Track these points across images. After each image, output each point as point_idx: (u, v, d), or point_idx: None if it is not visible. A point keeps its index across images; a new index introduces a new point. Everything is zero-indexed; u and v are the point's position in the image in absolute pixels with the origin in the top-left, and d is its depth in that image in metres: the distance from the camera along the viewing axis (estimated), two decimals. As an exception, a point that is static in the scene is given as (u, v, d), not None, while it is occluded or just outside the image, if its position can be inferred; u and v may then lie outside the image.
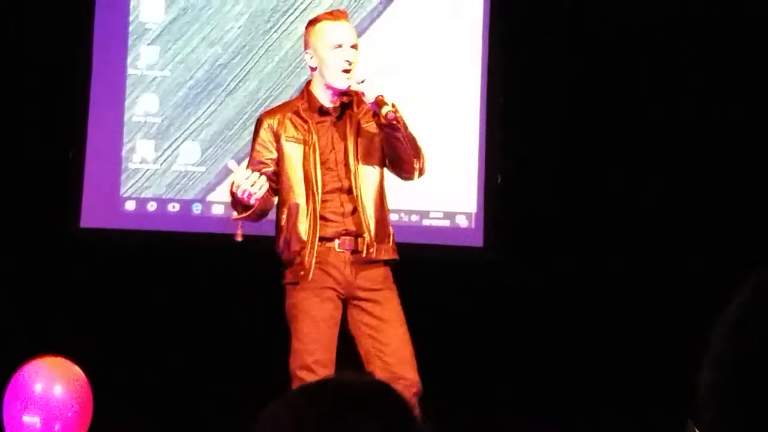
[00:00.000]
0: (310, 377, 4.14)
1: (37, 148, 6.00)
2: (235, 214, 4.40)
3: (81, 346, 5.02)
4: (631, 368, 5.95)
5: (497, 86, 6.10)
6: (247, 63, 6.11)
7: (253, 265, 5.97)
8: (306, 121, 4.43)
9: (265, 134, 4.47)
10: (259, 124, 4.52)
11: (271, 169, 4.45)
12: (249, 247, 5.96)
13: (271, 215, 4.54)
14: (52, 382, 4.37)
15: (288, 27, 6.12)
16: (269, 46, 6.11)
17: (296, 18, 6.12)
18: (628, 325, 5.98)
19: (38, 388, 4.34)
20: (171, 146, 6.07)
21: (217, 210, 6.03)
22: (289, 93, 6.07)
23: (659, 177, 6.10)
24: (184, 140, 6.08)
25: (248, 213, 4.34)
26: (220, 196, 6.04)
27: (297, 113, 4.46)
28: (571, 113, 6.15)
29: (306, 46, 4.50)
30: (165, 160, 6.06)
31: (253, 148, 4.51)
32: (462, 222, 6.00)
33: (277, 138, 4.45)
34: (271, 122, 4.47)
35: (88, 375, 4.48)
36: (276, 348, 5.81)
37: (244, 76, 6.10)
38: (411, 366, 4.38)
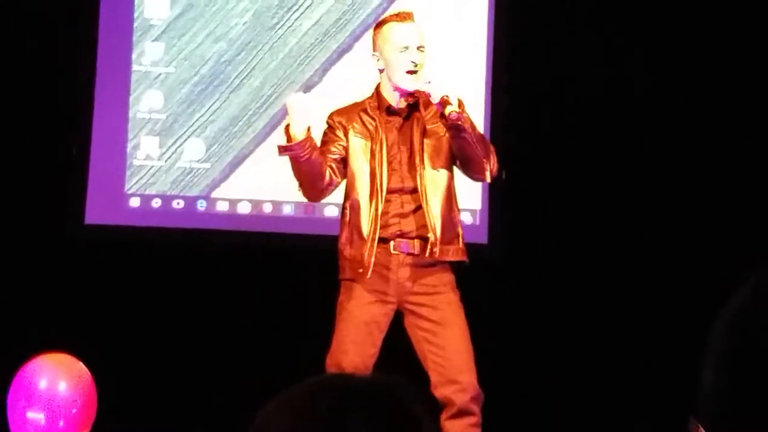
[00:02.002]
0: None
1: (41, 144, 6.01)
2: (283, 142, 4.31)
3: (85, 342, 5.02)
4: (634, 366, 5.95)
5: (502, 83, 6.10)
6: (252, 59, 6.11)
7: (257, 262, 5.98)
8: (374, 119, 4.41)
9: (332, 125, 4.45)
10: (329, 120, 4.48)
11: (338, 156, 4.41)
12: (253, 244, 5.98)
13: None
14: (57, 378, 4.37)
15: (293, 23, 6.12)
16: (274, 43, 6.11)
17: (301, 14, 6.12)
18: (630, 323, 5.97)
19: (42, 384, 4.34)
20: (175, 143, 6.07)
21: (222, 207, 6.04)
22: (293, 90, 6.07)
23: (663, 173, 6.10)
24: (188, 137, 6.08)
25: (292, 146, 4.25)
26: (225, 192, 6.04)
27: (365, 111, 4.44)
28: (575, 110, 6.14)
29: (374, 48, 4.49)
30: (169, 157, 6.07)
31: (322, 141, 4.44)
32: (466, 219, 5.98)
33: (345, 132, 4.42)
34: (340, 119, 4.45)
35: (92, 371, 4.48)
36: (279, 344, 5.83)
37: (248, 73, 6.10)
38: (465, 371, 4.30)
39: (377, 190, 4.35)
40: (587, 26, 6.16)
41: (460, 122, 4.24)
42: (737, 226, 5.96)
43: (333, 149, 4.42)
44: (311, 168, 4.33)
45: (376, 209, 4.34)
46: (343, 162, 4.43)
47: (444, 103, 4.23)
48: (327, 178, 4.38)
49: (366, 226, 4.34)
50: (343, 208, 4.46)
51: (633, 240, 6.09)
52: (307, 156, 4.27)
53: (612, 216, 6.10)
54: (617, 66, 6.14)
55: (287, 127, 4.29)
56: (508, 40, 6.12)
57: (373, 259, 4.31)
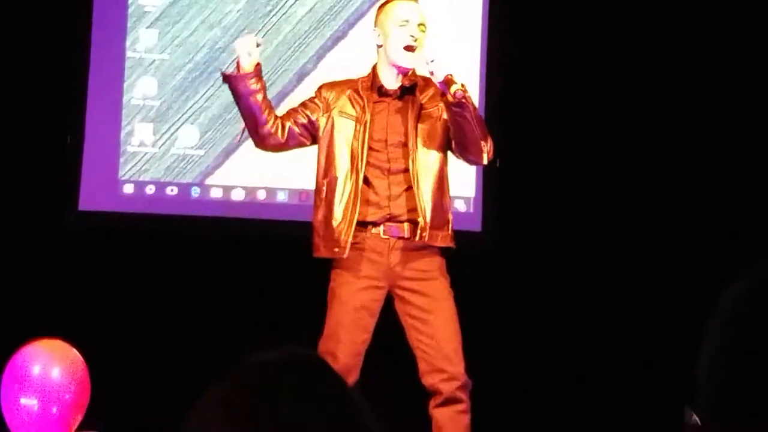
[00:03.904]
0: (333, 362, 4.08)
1: (35, 131, 6.00)
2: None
3: (79, 328, 5.02)
4: (627, 356, 5.95)
5: (496, 69, 6.10)
6: (246, 46, 6.09)
7: (250, 249, 5.98)
8: (362, 98, 4.42)
9: (317, 98, 4.49)
10: (317, 90, 4.53)
11: (304, 120, 4.45)
12: (246, 230, 5.98)
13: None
14: (50, 364, 4.37)
15: (287, 11, 6.11)
16: (268, 30, 6.10)
17: (295, 1, 6.11)
18: (625, 314, 5.98)
19: (36, 370, 4.34)
20: (169, 129, 6.06)
21: (215, 193, 6.03)
22: (287, 77, 6.07)
23: (658, 164, 6.10)
24: (182, 123, 6.07)
25: (234, 75, 4.37)
26: (219, 179, 6.04)
27: (356, 90, 4.45)
28: (571, 97, 6.15)
29: (375, 23, 4.50)
30: (163, 144, 6.06)
31: (303, 101, 4.53)
32: (460, 207, 5.99)
33: (327, 107, 4.44)
34: (328, 94, 4.48)
35: (85, 357, 4.48)
36: (272, 330, 5.83)
37: (242, 60, 6.08)
38: (453, 360, 4.31)
39: (357, 169, 4.35)
40: (583, 13, 6.16)
41: (464, 100, 4.23)
42: (734, 215, 5.96)
43: (300, 112, 4.48)
44: (249, 107, 4.41)
45: (355, 188, 4.33)
46: (304, 128, 4.46)
47: (448, 82, 4.22)
48: (269, 125, 4.43)
49: (343, 206, 4.34)
50: (319, 185, 4.45)
51: (628, 230, 6.09)
52: (246, 92, 4.38)
53: (607, 205, 6.10)
54: (613, 55, 6.14)
55: (238, 62, 4.39)
56: (502, 28, 6.12)
57: (350, 239, 4.31)
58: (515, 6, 6.15)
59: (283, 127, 4.44)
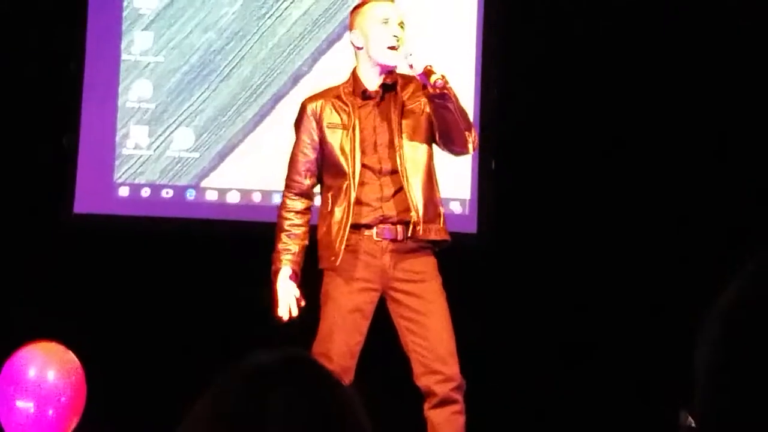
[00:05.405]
0: (327, 364, 4.09)
1: (31, 133, 6.00)
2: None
3: (74, 331, 5.02)
4: (625, 357, 5.96)
5: (492, 71, 6.10)
6: (241, 49, 6.10)
7: (246, 251, 5.98)
8: (347, 105, 4.41)
9: (308, 121, 4.44)
10: (302, 110, 4.48)
11: (313, 157, 4.44)
12: (242, 233, 5.98)
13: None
14: (46, 367, 4.37)
15: (282, 13, 6.11)
16: (263, 32, 6.11)
17: (290, 4, 6.12)
18: (620, 314, 5.98)
19: (31, 373, 4.34)
20: (165, 132, 6.07)
21: (211, 196, 6.04)
22: (282, 80, 6.07)
23: (653, 164, 6.10)
24: (177, 126, 6.08)
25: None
26: (214, 182, 6.04)
27: (339, 97, 4.43)
28: (566, 99, 6.15)
29: (351, 26, 4.48)
30: (159, 146, 6.06)
31: (298, 135, 4.48)
32: (456, 208, 6.00)
33: (318, 123, 4.42)
34: (314, 107, 4.44)
35: (81, 360, 4.49)
36: (268, 332, 5.83)
37: (237, 62, 6.10)
38: (448, 361, 4.30)
39: (351, 177, 4.35)
40: (580, 12, 6.16)
41: (446, 90, 4.22)
42: (734, 214, 5.96)
43: (305, 158, 4.46)
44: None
45: (350, 196, 4.34)
46: (316, 162, 4.46)
47: (428, 72, 4.21)
48: (309, 214, 4.52)
49: (339, 214, 4.35)
50: (324, 199, 4.45)
51: (624, 230, 6.09)
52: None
53: (602, 205, 6.10)
54: (607, 56, 6.14)
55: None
56: (498, 29, 6.12)
57: (343, 246, 4.32)
58: (511, 3, 6.15)
59: (310, 195, 4.53)
